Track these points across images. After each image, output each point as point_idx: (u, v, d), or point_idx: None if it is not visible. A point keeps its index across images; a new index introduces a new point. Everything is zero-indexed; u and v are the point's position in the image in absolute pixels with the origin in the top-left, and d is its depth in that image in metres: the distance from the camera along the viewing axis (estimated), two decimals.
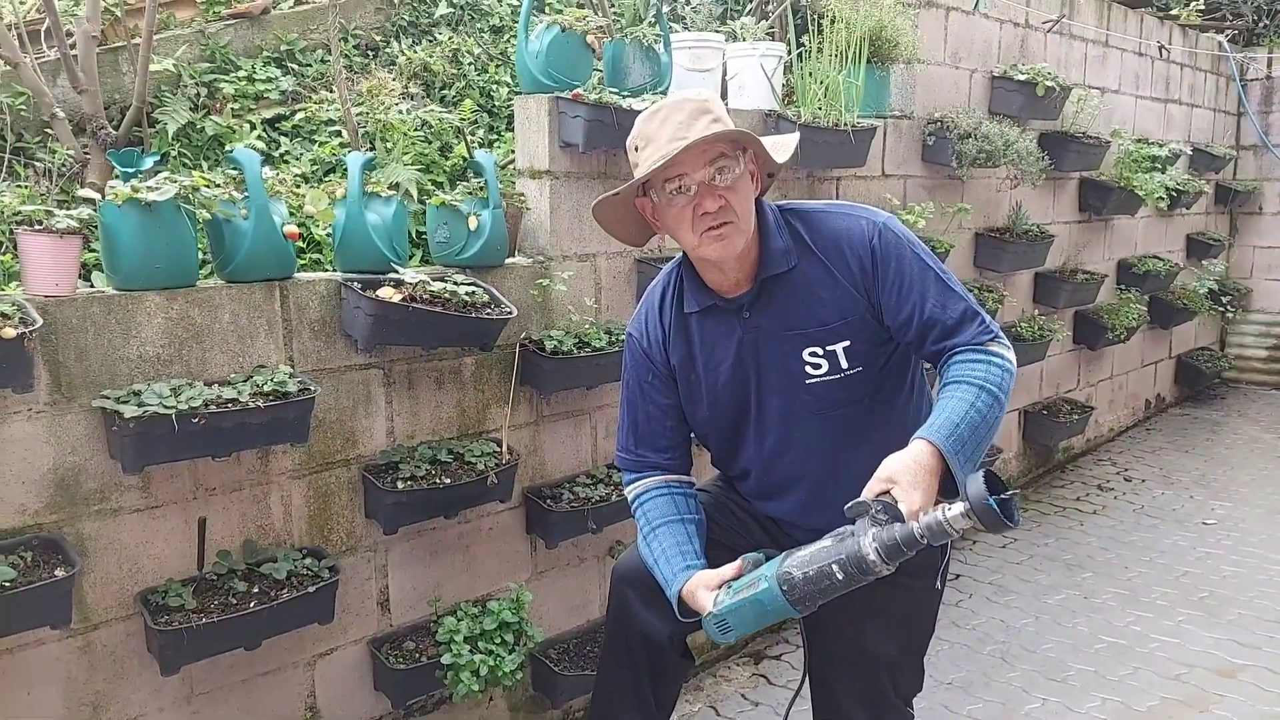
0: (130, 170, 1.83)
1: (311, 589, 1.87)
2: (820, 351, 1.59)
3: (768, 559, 1.48)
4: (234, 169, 1.93)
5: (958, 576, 3.63)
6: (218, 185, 1.87)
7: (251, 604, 1.80)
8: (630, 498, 1.79)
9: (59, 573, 1.59)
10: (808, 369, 1.60)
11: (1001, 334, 1.56)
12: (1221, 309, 5.92)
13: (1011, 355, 1.53)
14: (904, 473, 1.38)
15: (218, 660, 1.87)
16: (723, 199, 1.50)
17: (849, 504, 1.38)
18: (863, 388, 1.61)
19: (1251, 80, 6.34)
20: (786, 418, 1.64)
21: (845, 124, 3.01)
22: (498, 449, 2.26)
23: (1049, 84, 3.87)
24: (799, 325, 1.59)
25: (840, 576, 1.37)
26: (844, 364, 1.59)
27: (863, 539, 1.35)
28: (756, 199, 1.62)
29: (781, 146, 1.61)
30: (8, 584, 1.52)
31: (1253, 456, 5.07)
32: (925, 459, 1.40)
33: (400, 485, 2.05)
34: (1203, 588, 3.50)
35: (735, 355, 1.64)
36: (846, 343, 1.58)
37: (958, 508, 1.31)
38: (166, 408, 1.65)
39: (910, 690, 1.77)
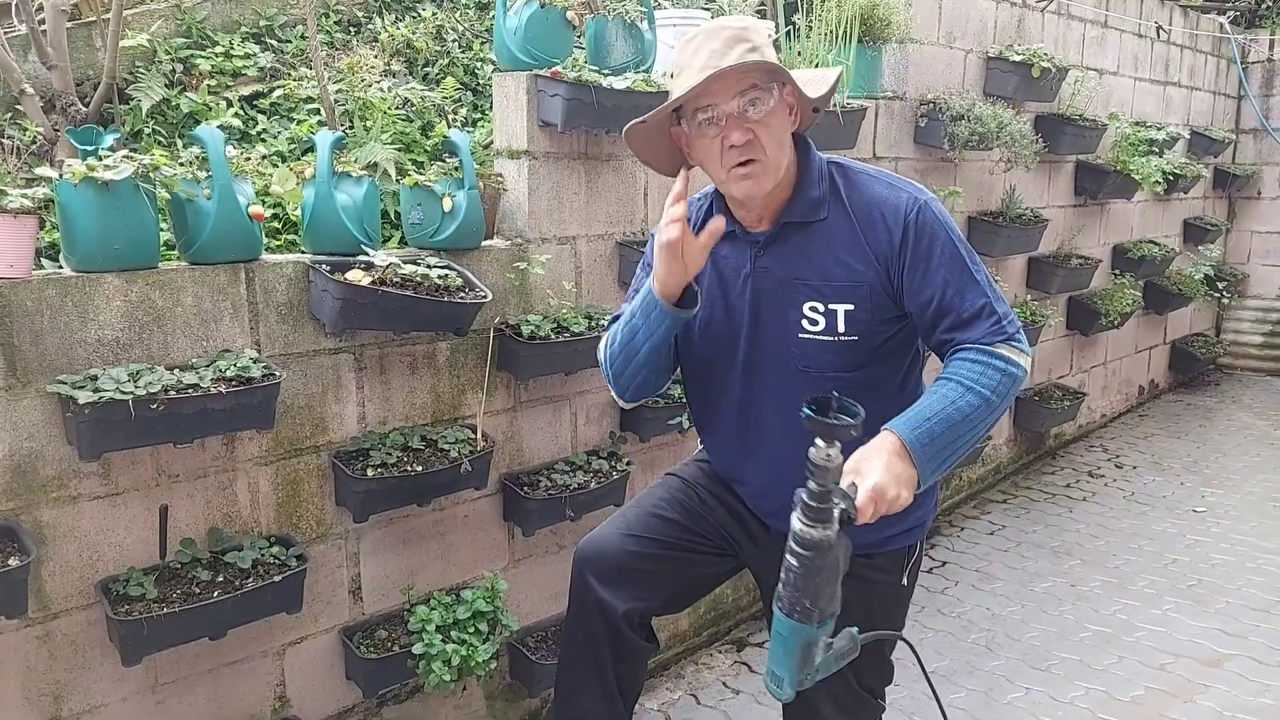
0: (89, 148, 1.77)
1: (278, 578, 1.83)
2: (821, 308, 1.55)
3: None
4: (199, 148, 1.88)
5: (944, 564, 3.60)
6: (180, 164, 1.82)
7: (215, 593, 1.77)
8: (606, 330, 1.73)
9: (13, 562, 1.55)
10: (804, 322, 1.56)
11: (1020, 337, 1.50)
12: (1217, 295, 5.88)
13: (1022, 360, 1.48)
14: (865, 459, 1.36)
15: (183, 650, 1.83)
16: (751, 133, 1.46)
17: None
18: (853, 359, 1.56)
19: (1253, 63, 6.26)
20: (770, 366, 1.61)
21: (835, 104, 2.95)
22: (473, 435, 2.22)
23: (1045, 65, 3.81)
24: (807, 276, 1.56)
25: (794, 563, 1.30)
26: (841, 327, 1.54)
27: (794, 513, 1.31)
28: (803, 138, 1.58)
29: (818, 81, 1.55)
30: None
31: (1246, 443, 5.04)
32: (887, 445, 1.38)
33: (371, 472, 2.01)
34: (1191, 575, 3.48)
35: (739, 288, 1.61)
36: (850, 306, 1.53)
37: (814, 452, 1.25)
38: (124, 393, 1.60)
39: (875, 683, 1.74)
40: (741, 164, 1.48)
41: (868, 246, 1.53)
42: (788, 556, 1.31)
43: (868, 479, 1.34)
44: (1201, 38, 5.75)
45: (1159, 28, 5.20)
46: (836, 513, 1.28)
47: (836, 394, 1.29)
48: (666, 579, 1.77)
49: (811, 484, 1.27)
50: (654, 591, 1.76)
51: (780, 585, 1.32)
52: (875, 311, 1.54)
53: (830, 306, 1.54)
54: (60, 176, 1.68)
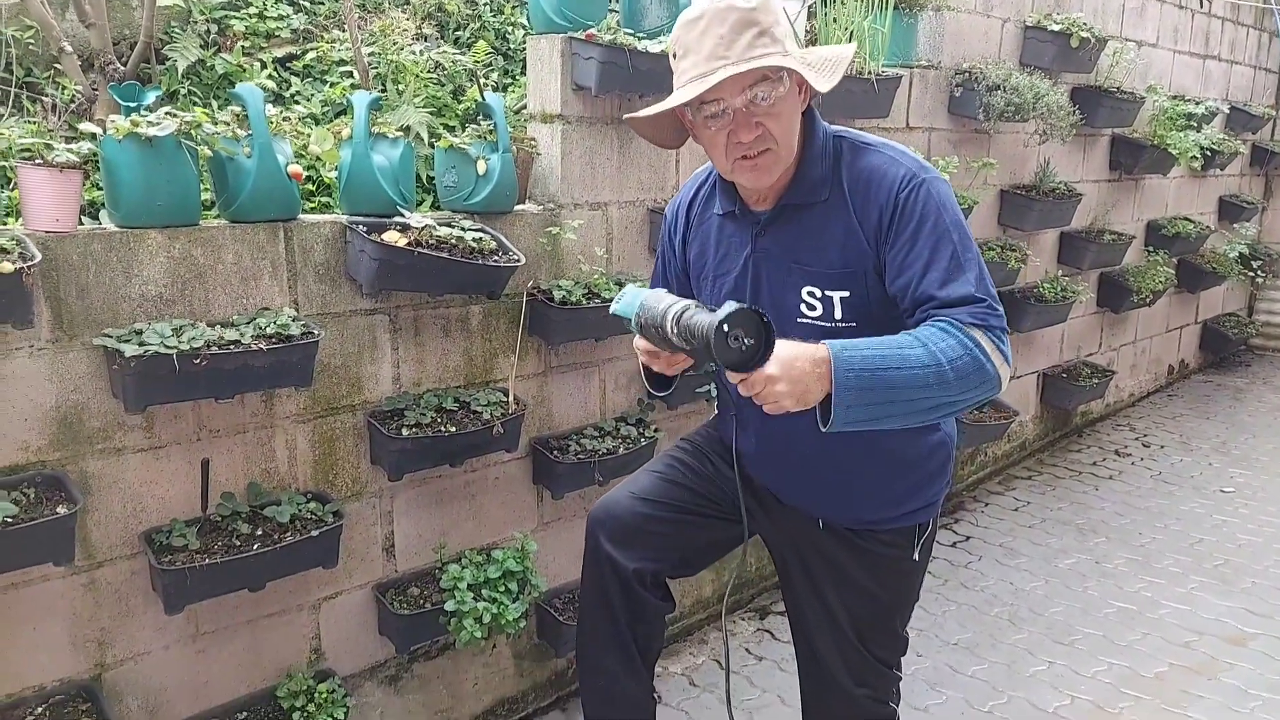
0: (132, 105, 1.79)
1: (315, 533, 1.86)
2: (818, 294, 1.51)
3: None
4: (239, 106, 1.89)
5: (968, 538, 3.61)
6: (221, 121, 1.83)
7: (255, 546, 1.80)
8: None
9: (61, 510, 1.59)
10: (802, 307, 1.52)
11: (1000, 333, 1.39)
12: (1251, 274, 5.78)
13: (991, 349, 1.36)
14: (785, 349, 1.31)
15: (222, 601, 1.87)
16: (760, 126, 1.41)
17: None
18: None
19: None
20: None
21: (870, 73, 2.92)
22: (504, 399, 2.24)
23: (1084, 35, 3.74)
24: (805, 260, 1.52)
25: (656, 314, 1.39)
26: (838, 314, 1.50)
27: (683, 303, 1.36)
28: (810, 112, 1.52)
29: (830, 66, 1.48)
30: (10, 520, 1.52)
31: (1275, 425, 4.99)
32: (812, 351, 1.31)
33: (406, 432, 2.03)
34: (1217, 555, 3.47)
35: (741, 268, 1.59)
36: (846, 293, 1.49)
37: (713, 318, 1.26)
38: (168, 347, 1.63)
39: (888, 655, 1.73)
40: (748, 156, 1.44)
41: (860, 227, 1.47)
42: (669, 311, 1.36)
43: (768, 366, 1.28)
44: (1244, 10, 5.61)
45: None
46: (703, 348, 1.30)
47: (765, 334, 1.26)
48: (677, 541, 1.79)
49: (696, 325, 1.29)
50: (665, 553, 1.77)
51: (654, 300, 1.41)
52: (870, 297, 1.49)
53: (827, 293, 1.50)
54: (105, 132, 1.70)
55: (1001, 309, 1.43)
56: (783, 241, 1.54)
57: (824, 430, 1.34)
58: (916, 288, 1.42)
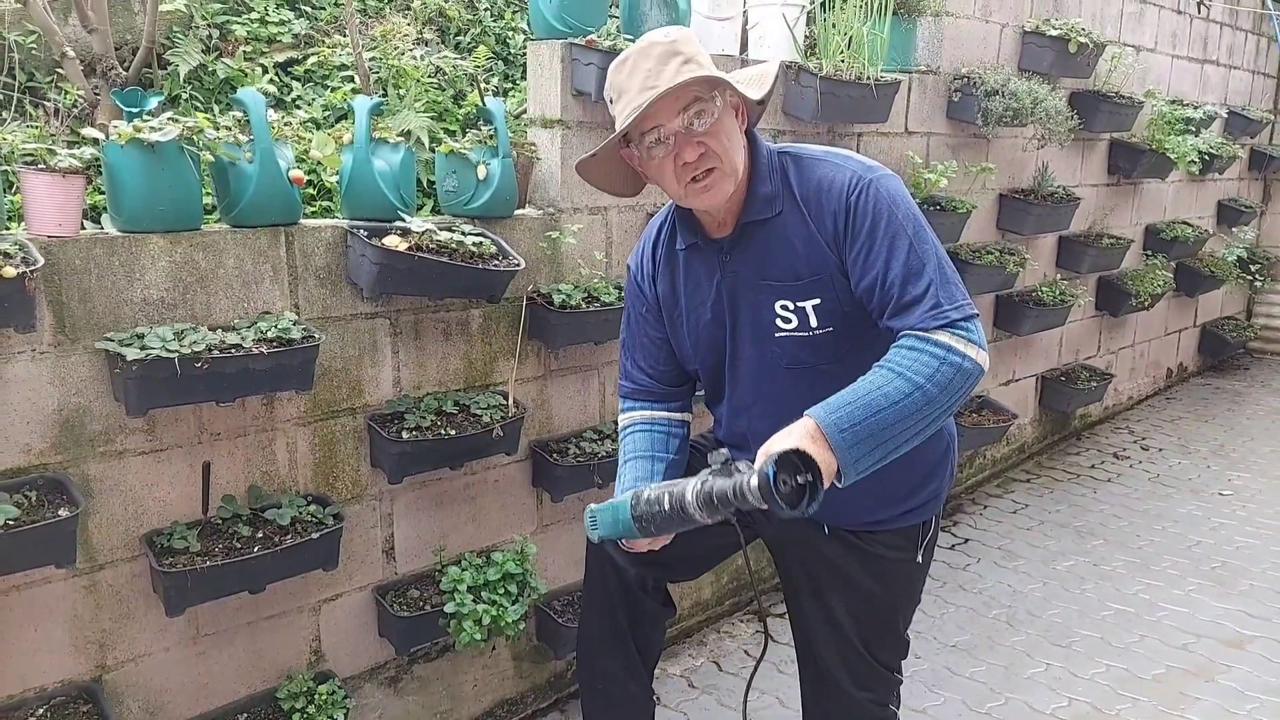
0: (134, 110, 1.80)
1: (315, 535, 1.87)
2: (791, 306, 1.52)
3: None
4: (240, 111, 1.90)
5: (966, 541, 3.62)
6: (223, 127, 1.84)
7: (256, 549, 1.81)
8: (620, 429, 1.80)
9: (63, 512, 1.60)
10: (778, 321, 1.54)
11: (968, 326, 1.40)
12: (1250, 278, 5.79)
13: (966, 348, 1.37)
14: (778, 442, 1.34)
15: (223, 603, 1.88)
16: (702, 145, 1.44)
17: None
18: (834, 350, 1.54)
19: None
20: (757, 369, 1.61)
21: (868, 78, 2.93)
22: (504, 402, 2.25)
23: (1082, 40, 3.75)
24: (773, 276, 1.53)
25: (666, 509, 1.39)
26: (813, 322, 1.52)
27: (691, 481, 1.37)
28: (751, 134, 1.55)
29: (758, 79, 1.52)
30: (12, 522, 1.53)
31: (1274, 428, 5.00)
32: (801, 428, 1.35)
33: (406, 435, 2.04)
34: (1215, 558, 3.47)
35: (714, 297, 1.61)
36: (817, 300, 1.51)
37: (755, 478, 1.28)
38: (169, 351, 1.64)
39: (890, 658, 1.74)
40: (697, 178, 1.46)
41: (818, 235, 1.49)
42: (666, 500, 1.39)
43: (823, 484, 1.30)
44: (1242, 15, 5.63)
45: (1200, 3, 5.10)
46: (732, 510, 1.34)
47: (809, 468, 1.29)
48: (679, 545, 1.78)
49: (726, 491, 1.31)
50: (670, 556, 1.77)
51: (645, 499, 1.42)
52: (841, 300, 1.51)
53: (799, 304, 1.52)
54: (107, 137, 1.71)
55: (964, 295, 1.44)
56: (749, 261, 1.56)
57: (840, 486, 1.37)
58: (881, 288, 1.44)
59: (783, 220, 1.52)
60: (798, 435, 1.34)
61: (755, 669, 1.71)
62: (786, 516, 1.28)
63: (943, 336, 1.38)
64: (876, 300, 1.45)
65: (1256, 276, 5.82)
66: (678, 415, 1.78)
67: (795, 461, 1.28)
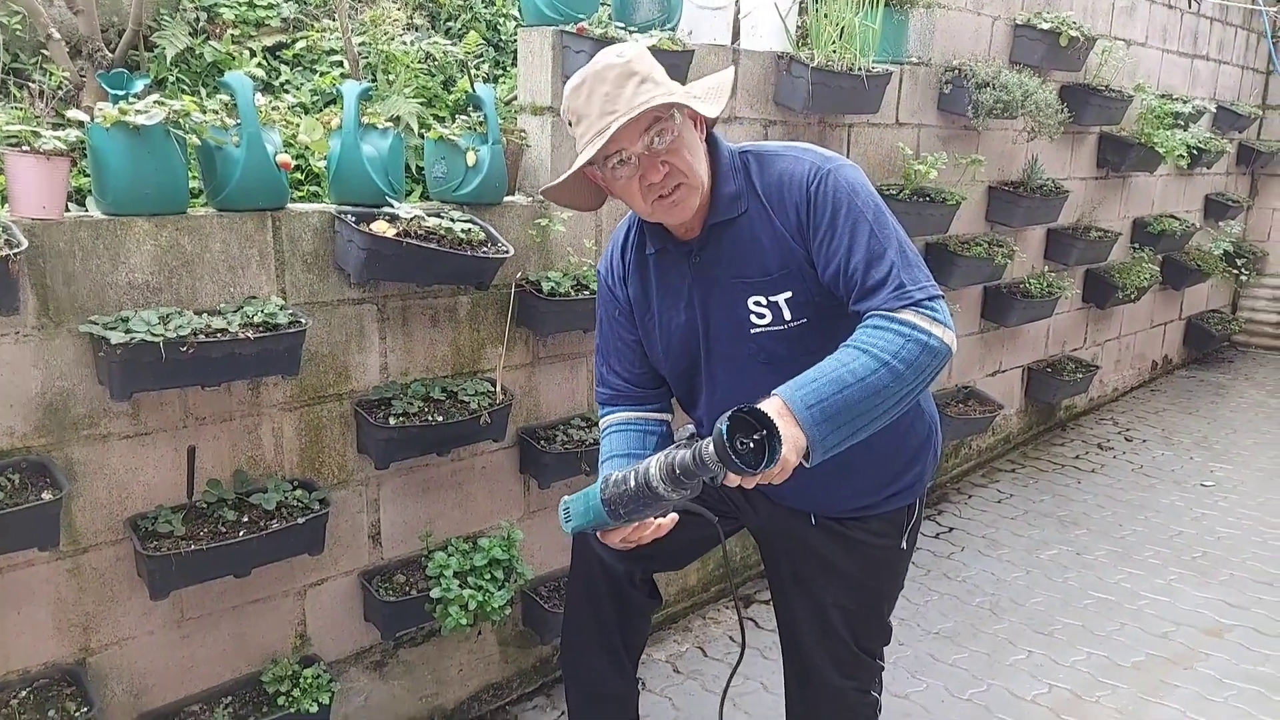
0: (120, 92, 1.79)
1: (301, 520, 1.87)
2: (764, 301, 1.54)
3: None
4: (228, 95, 1.89)
5: (951, 530, 3.64)
6: (210, 111, 1.83)
7: (241, 533, 1.81)
8: (600, 430, 1.80)
9: (46, 495, 1.59)
10: (752, 318, 1.55)
11: (933, 306, 1.42)
12: (1235, 271, 5.83)
13: (932, 327, 1.39)
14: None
15: (208, 586, 1.89)
16: (666, 165, 1.45)
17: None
18: (809, 343, 1.54)
19: None
20: (734, 367, 1.61)
21: (860, 68, 2.93)
22: (492, 389, 2.25)
23: (1073, 34, 3.76)
24: (743, 273, 1.55)
25: (632, 486, 1.40)
26: (787, 315, 1.53)
27: (656, 456, 1.37)
28: (711, 137, 1.56)
29: (714, 92, 1.52)
30: None
31: (1257, 420, 5.04)
32: (769, 407, 1.34)
33: (393, 421, 2.04)
34: (1196, 547, 3.51)
35: (686, 299, 1.62)
36: (789, 293, 1.52)
37: (710, 443, 1.28)
38: (154, 335, 1.63)
39: (873, 644, 1.76)
40: (663, 195, 1.47)
41: (783, 228, 1.51)
42: (631, 479, 1.39)
43: (784, 444, 1.31)
44: (1232, 10, 5.64)
45: None
46: (697, 481, 1.34)
47: (764, 425, 1.29)
48: (665, 539, 1.79)
49: (686, 460, 1.32)
50: (654, 549, 1.77)
51: (613, 480, 1.42)
52: (812, 291, 1.52)
53: (772, 298, 1.53)
54: (92, 119, 1.70)
55: (927, 278, 1.46)
56: (719, 261, 1.57)
57: (808, 466, 1.37)
58: (845, 274, 1.46)
59: (749, 218, 1.54)
60: (772, 411, 1.34)
61: (731, 676, 1.74)
62: (747, 478, 1.29)
63: (908, 315, 1.40)
64: (843, 286, 1.47)
65: (1242, 270, 5.86)
66: (655, 415, 1.79)
67: (749, 420, 1.29)
